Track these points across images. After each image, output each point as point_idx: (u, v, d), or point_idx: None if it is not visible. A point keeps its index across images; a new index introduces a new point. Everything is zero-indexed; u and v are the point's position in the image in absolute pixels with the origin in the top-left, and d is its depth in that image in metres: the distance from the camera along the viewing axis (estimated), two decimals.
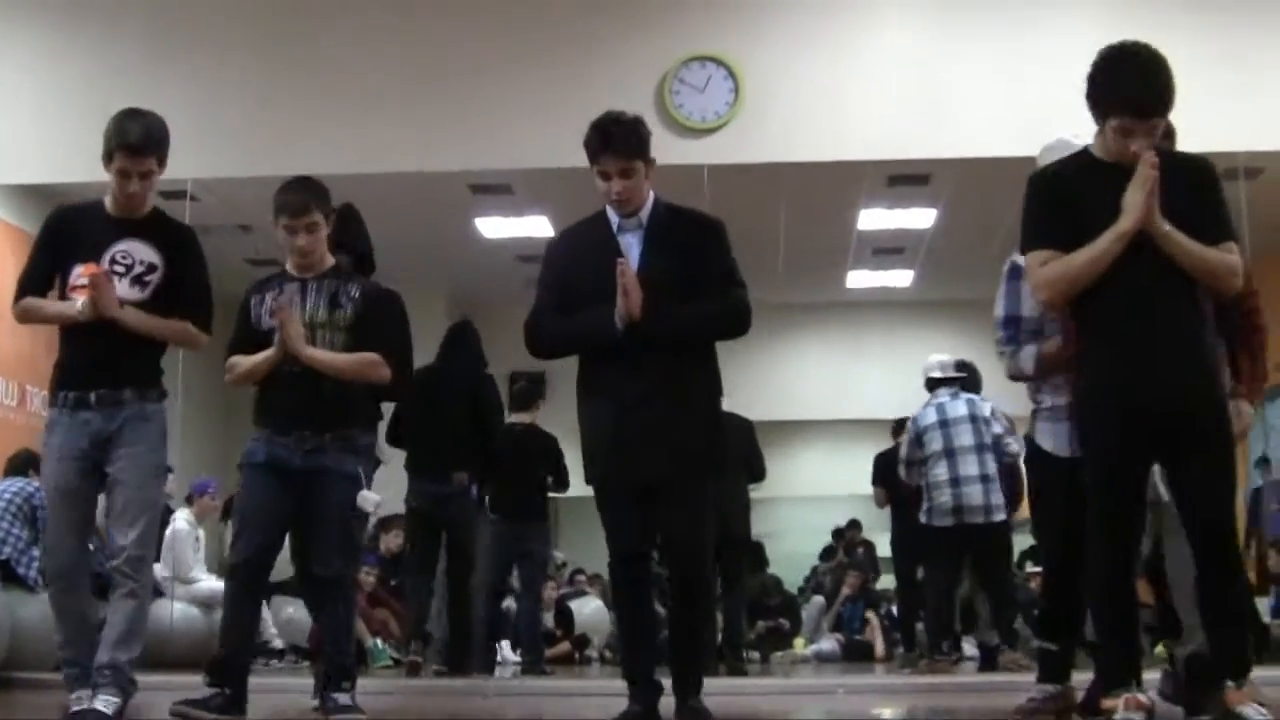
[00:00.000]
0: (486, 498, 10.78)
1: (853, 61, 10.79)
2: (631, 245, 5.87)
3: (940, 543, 10.86)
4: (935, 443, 10.79)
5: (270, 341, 6.36)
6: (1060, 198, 5.19)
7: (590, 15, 10.95)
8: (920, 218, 14.38)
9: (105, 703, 5.83)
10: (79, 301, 6.09)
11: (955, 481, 10.67)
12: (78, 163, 9.08)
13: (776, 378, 18.20)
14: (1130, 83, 5.05)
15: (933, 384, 11.24)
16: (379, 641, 13.35)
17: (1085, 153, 5.29)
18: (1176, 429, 5.07)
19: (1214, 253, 5.10)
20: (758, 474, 11.80)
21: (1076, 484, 5.51)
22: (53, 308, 6.23)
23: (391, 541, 14.49)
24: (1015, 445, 10.61)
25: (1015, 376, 6.35)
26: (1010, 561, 12.10)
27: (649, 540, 5.95)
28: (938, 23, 10.80)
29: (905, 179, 11.98)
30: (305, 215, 6.35)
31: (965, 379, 11.27)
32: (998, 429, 10.83)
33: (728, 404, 12.30)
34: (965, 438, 10.76)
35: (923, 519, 10.84)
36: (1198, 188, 5.19)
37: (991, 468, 10.69)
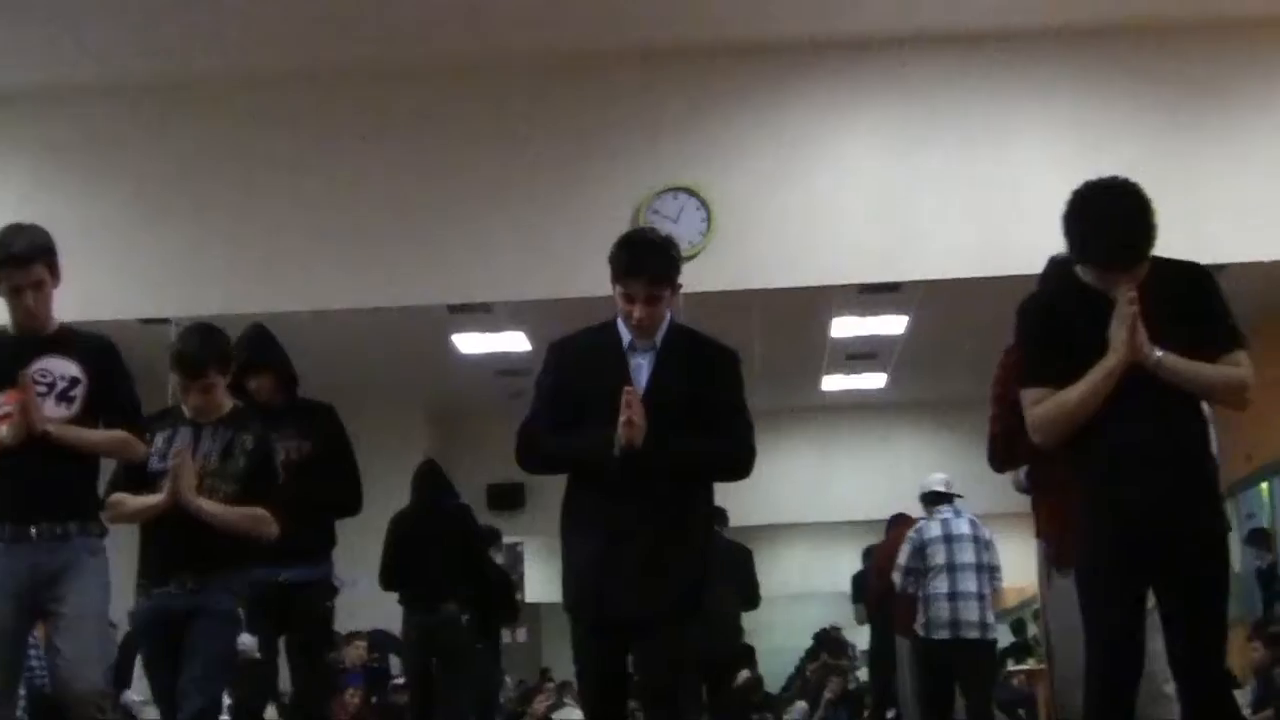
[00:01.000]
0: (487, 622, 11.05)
1: (820, 189, 10.99)
2: (641, 367, 5.54)
3: (932, 655, 11.01)
4: (938, 556, 10.89)
5: (157, 483, 6.06)
6: (1052, 330, 5.01)
7: (566, 147, 11.13)
8: (891, 324, 14.60)
9: None
10: (1, 429, 5.70)
11: (953, 596, 10.78)
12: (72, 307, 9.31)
13: (756, 482, 18.22)
14: (1102, 238, 4.89)
15: (933, 499, 11.39)
16: None
17: (1072, 276, 5.07)
18: (1175, 567, 4.83)
19: (1215, 371, 4.90)
20: (752, 602, 12.03)
21: None
22: None
23: (355, 654, 14.60)
24: (1001, 580, 11.07)
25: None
26: (994, 680, 12.33)
27: (622, 695, 5.61)
28: (902, 150, 11.03)
29: (876, 288, 12.14)
30: (201, 378, 6.12)
31: (961, 496, 11.44)
32: (997, 560, 11.06)
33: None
34: (967, 555, 10.90)
35: (919, 631, 10.97)
36: (1196, 297, 5.00)
37: (988, 588, 10.90)
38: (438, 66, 11.02)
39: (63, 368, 5.85)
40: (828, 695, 15.83)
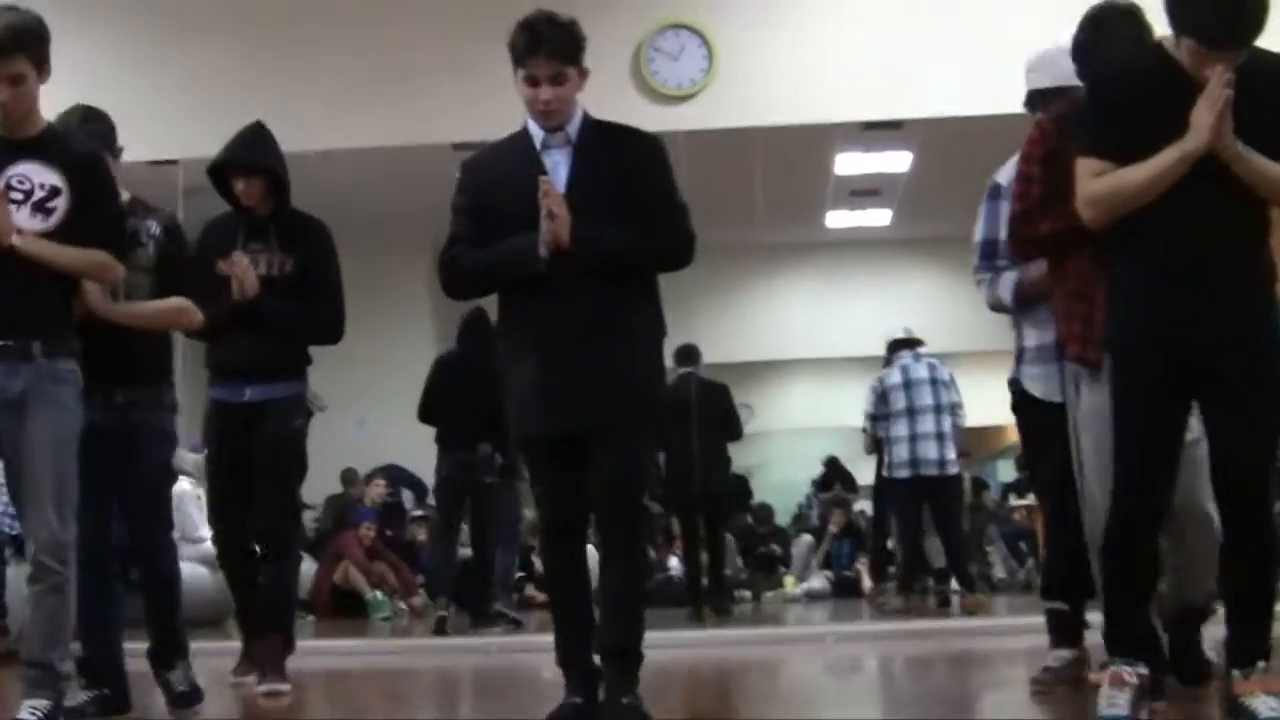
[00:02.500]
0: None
1: (823, 23, 10.95)
2: (559, 164, 5.09)
3: (900, 493, 11.98)
4: (899, 401, 11.72)
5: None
6: (1125, 100, 4.52)
7: None
8: (896, 161, 14.61)
9: (33, 710, 4.96)
10: None
11: (913, 438, 11.59)
12: None
13: (760, 317, 18.48)
14: (1214, 11, 4.37)
15: (894, 346, 12.18)
16: (378, 594, 13.69)
17: (1160, 49, 4.58)
18: (1224, 371, 4.48)
19: None
20: (735, 434, 12.30)
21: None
22: None
23: (375, 492, 14.83)
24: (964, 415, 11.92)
25: (995, 307, 5.95)
26: (961, 509, 13.10)
27: (585, 508, 5.23)
28: None
29: (879, 125, 12.17)
30: (7, 64, 5.10)
31: (922, 341, 12.21)
32: (956, 396, 11.83)
33: (712, 354, 12.81)
34: (925, 398, 11.69)
35: (884, 472, 11.93)
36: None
37: (948, 426, 11.67)
38: None
39: (42, 175, 5.19)
40: (832, 528, 16.01)
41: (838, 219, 17.17)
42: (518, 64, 5.01)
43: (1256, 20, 4.37)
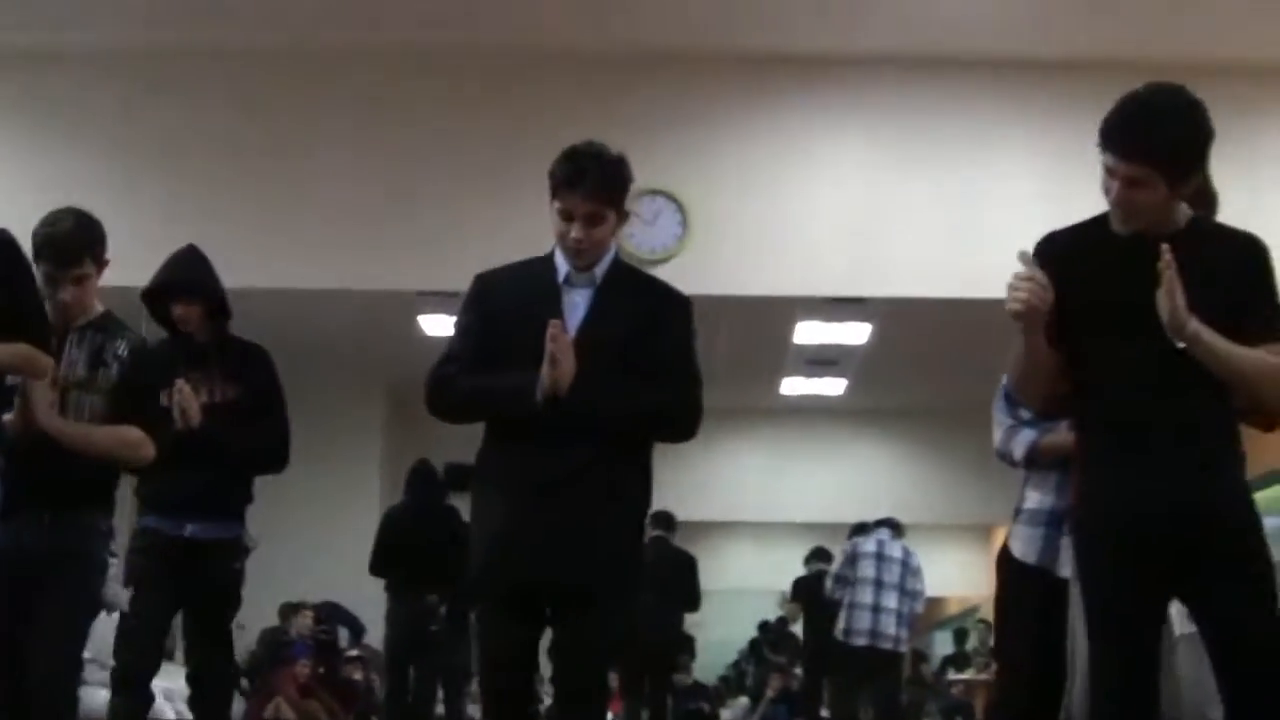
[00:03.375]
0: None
1: (794, 200, 11.11)
2: (577, 304, 4.79)
3: (849, 658, 12.11)
4: (868, 570, 11.91)
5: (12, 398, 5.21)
6: (1059, 276, 4.07)
7: (544, 141, 11.13)
8: (855, 333, 14.68)
9: None
10: None
11: (876, 609, 11.79)
12: None
13: (709, 478, 18.48)
14: (1119, 115, 4.02)
15: (877, 524, 12.53)
16: None
17: (1102, 223, 4.24)
18: (1196, 556, 4.01)
19: (1254, 357, 4.05)
20: (693, 607, 12.81)
21: (1050, 595, 5.11)
22: None
23: (302, 623, 14.69)
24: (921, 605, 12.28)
25: (1002, 456, 5.62)
26: (900, 687, 13.52)
27: (533, 678, 4.93)
28: (876, 166, 11.19)
29: (842, 298, 12.32)
30: (74, 267, 5.38)
31: (899, 526, 12.58)
32: (920, 586, 12.15)
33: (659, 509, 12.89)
34: (894, 575, 11.92)
35: (839, 636, 12.00)
36: (1242, 271, 4.15)
37: (907, 608, 11.93)
38: (421, 56, 11.09)
39: None
40: (769, 694, 15.97)
41: (793, 386, 17.25)
42: (554, 194, 4.76)
43: (1171, 140, 4.02)
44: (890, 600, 11.82)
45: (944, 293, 10.95)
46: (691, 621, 17.62)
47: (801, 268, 11.16)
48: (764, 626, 20.11)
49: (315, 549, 14.99)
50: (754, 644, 20.21)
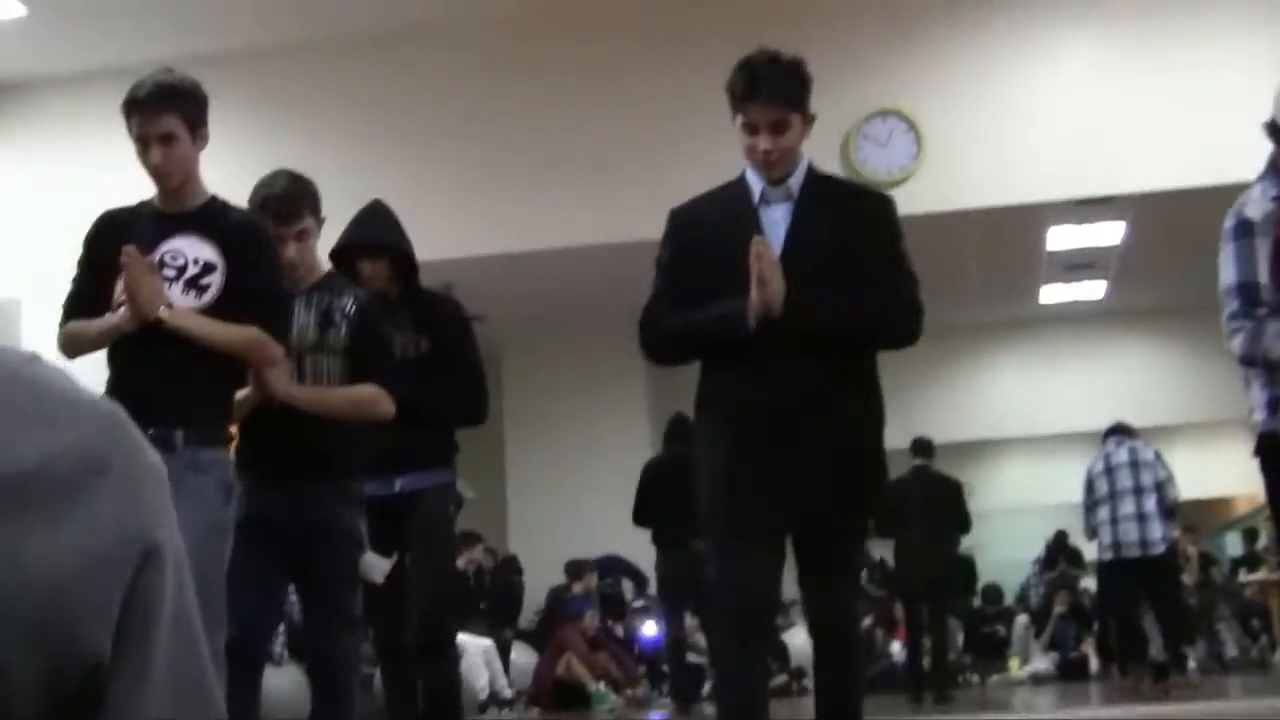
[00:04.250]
0: None
1: (1030, 102, 10.90)
2: (776, 221, 4.60)
3: (1108, 575, 12.32)
4: (1102, 488, 11.93)
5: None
6: None
7: None
8: (1109, 233, 14.42)
9: None
10: (119, 312, 4.73)
11: (1114, 521, 11.78)
12: None
13: (975, 396, 18.34)
14: None
15: (1106, 434, 12.43)
16: (601, 685, 13.74)
17: None
18: None
19: None
20: (965, 529, 12.68)
21: None
22: (95, 326, 4.81)
23: (590, 583, 14.90)
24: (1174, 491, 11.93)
25: (1249, 359, 4.90)
26: (1174, 588, 13.09)
27: (776, 603, 4.80)
28: (1113, 56, 10.89)
29: (1091, 200, 12.09)
30: (295, 222, 5.35)
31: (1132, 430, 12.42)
32: (1161, 474, 11.90)
33: (927, 433, 12.86)
34: (1125, 481, 11.84)
35: (1109, 552, 11.96)
36: None
37: (1150, 506, 11.75)
38: (639, 22, 11.14)
39: (197, 250, 4.83)
40: (1057, 609, 15.77)
41: (1051, 294, 17.00)
42: (735, 109, 4.59)
43: None
44: (1126, 507, 11.75)
45: (1193, 182, 10.67)
46: (973, 543, 17.54)
47: (1044, 172, 10.96)
48: (1057, 542, 19.88)
49: (592, 502, 15.19)
50: (1038, 561, 20.00)
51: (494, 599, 14.88)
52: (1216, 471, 21.25)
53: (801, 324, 4.41)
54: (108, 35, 11.11)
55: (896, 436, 13.98)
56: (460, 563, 14.46)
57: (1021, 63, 11.02)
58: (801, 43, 10.91)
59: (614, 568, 15.48)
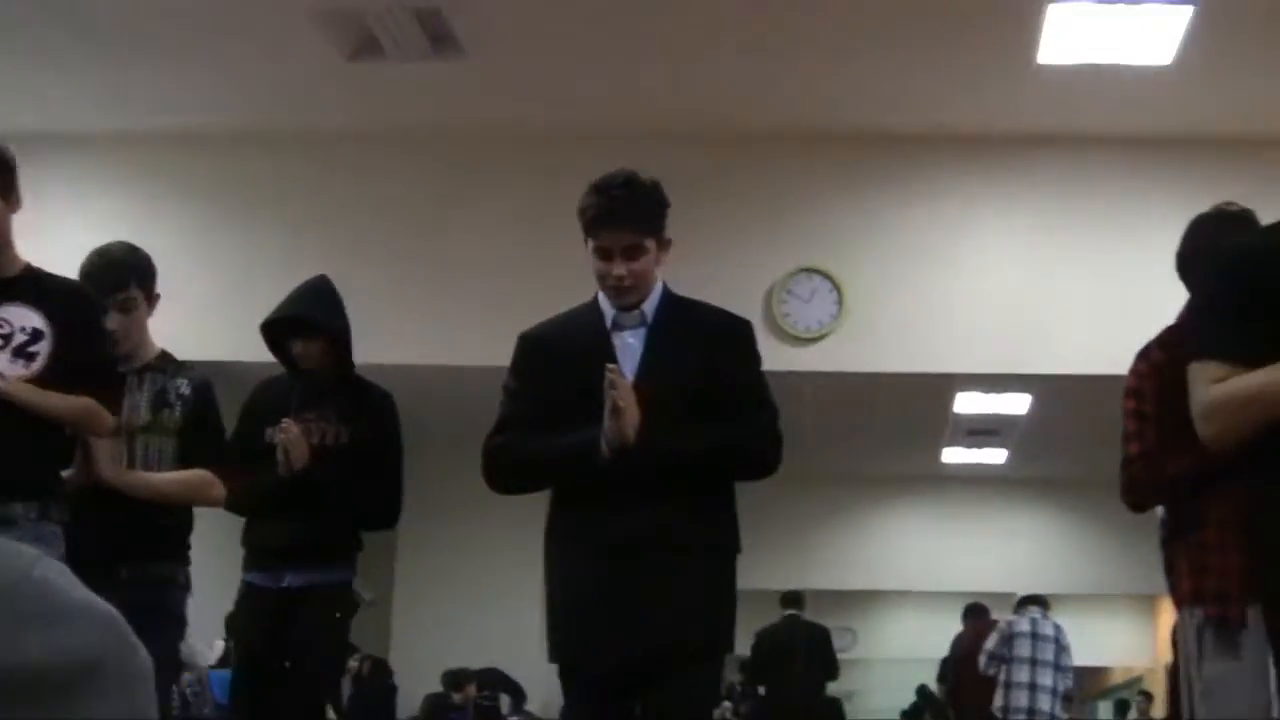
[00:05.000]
0: None
1: (952, 278, 11.19)
2: (631, 347, 4.45)
3: None
4: (1024, 649, 12.23)
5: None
6: (1263, 287, 3.28)
7: (700, 223, 11.30)
8: (1015, 403, 14.73)
9: None
10: None
11: (1033, 687, 12.08)
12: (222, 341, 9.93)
13: (872, 546, 18.60)
14: None
15: (1024, 601, 12.78)
16: None
17: None
18: None
19: None
20: (833, 676, 13.28)
21: None
22: None
23: (468, 693, 14.92)
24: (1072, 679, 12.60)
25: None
26: None
27: None
28: (1037, 248, 11.22)
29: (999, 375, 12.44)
30: (121, 291, 5.19)
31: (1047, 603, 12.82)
32: (1070, 661, 12.44)
33: (822, 580, 13.12)
34: (1048, 654, 12.22)
35: (997, 714, 12.28)
36: None
37: (1062, 685, 12.29)
38: (569, 135, 11.18)
39: (22, 317, 4.68)
40: None
41: (954, 455, 17.30)
42: (587, 233, 4.44)
43: None
44: (1045, 678, 12.11)
45: (1102, 369, 10.98)
46: (851, 689, 17.82)
47: (960, 344, 11.25)
48: (923, 692, 20.12)
49: (475, 614, 15.27)
50: (905, 712, 20.26)
51: (366, 707, 14.85)
52: (1096, 641, 21.62)
53: (657, 455, 4.25)
54: None
55: (792, 579, 14.34)
56: None
57: (950, 241, 11.32)
58: (734, 194, 11.33)
59: (493, 681, 15.52)
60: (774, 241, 11.21)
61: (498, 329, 11.30)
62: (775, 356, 9.96)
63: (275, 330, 6.06)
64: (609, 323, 4.50)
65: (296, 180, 11.66)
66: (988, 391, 14.23)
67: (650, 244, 4.45)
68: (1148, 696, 19.65)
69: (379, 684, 15.23)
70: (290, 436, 5.78)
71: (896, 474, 17.81)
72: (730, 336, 4.54)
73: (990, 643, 12.57)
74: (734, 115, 11.03)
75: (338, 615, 5.95)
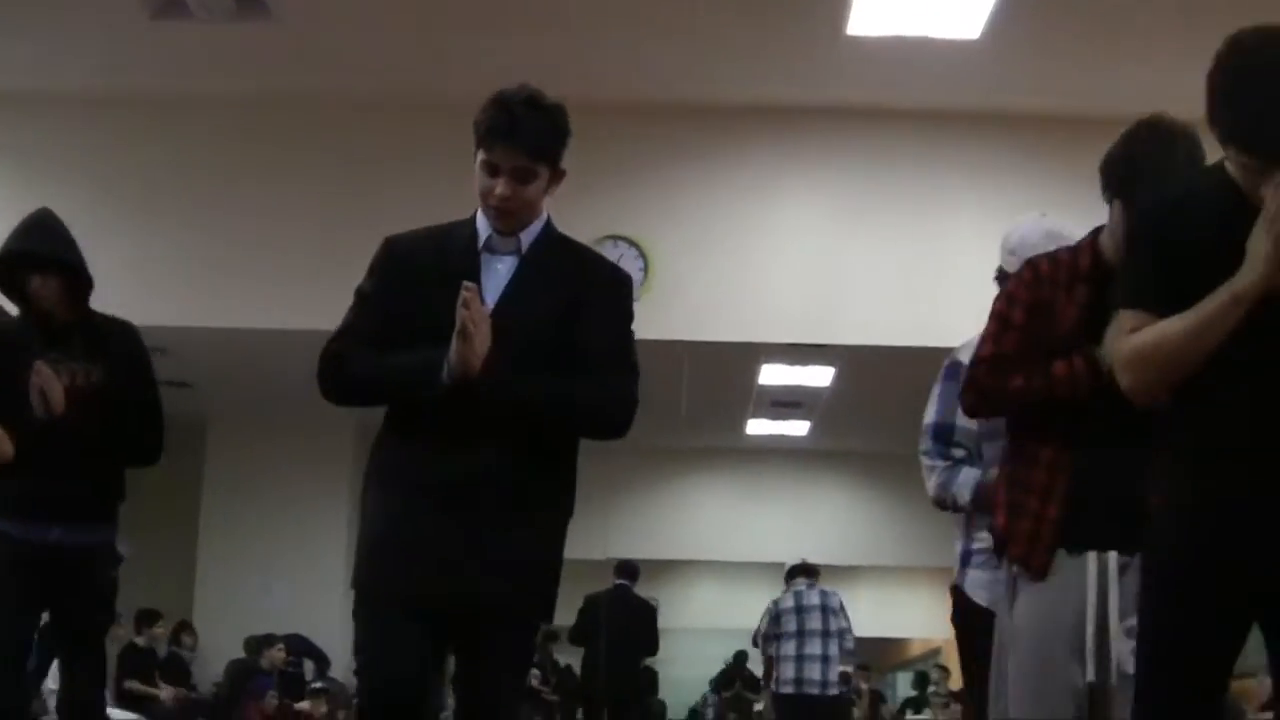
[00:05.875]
0: None
1: (755, 247, 11.27)
2: (498, 273, 4.10)
3: (783, 708, 12.46)
4: (790, 624, 12.29)
5: None
6: (1174, 238, 3.38)
7: None
8: (818, 375, 14.87)
9: None
10: None
11: (800, 659, 12.17)
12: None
13: (675, 517, 18.71)
14: (1259, 108, 3.33)
15: (792, 572, 12.79)
16: None
17: (1219, 171, 3.45)
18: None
19: None
20: (652, 652, 13.55)
21: None
22: None
23: (275, 657, 14.77)
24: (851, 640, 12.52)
25: (941, 502, 4.99)
26: None
27: (427, 685, 4.05)
28: (836, 215, 11.34)
29: (804, 345, 12.52)
30: None
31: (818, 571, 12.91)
32: (845, 623, 12.41)
33: (625, 549, 13.16)
34: (814, 623, 12.27)
35: (773, 687, 12.45)
36: None
37: (833, 650, 12.27)
38: (389, 101, 11.13)
39: None
40: None
41: (758, 426, 17.43)
42: (480, 145, 4.08)
43: None
44: (814, 647, 12.19)
45: (904, 341, 11.13)
46: (660, 657, 17.93)
47: (765, 314, 11.33)
48: (739, 659, 20.34)
49: (281, 579, 15.13)
50: (714, 681, 20.46)
51: (162, 669, 14.68)
52: (895, 614, 21.96)
53: (501, 392, 3.92)
54: None
55: (596, 549, 14.36)
56: (140, 640, 14.34)
57: (757, 212, 11.38)
58: None
59: (298, 647, 15.39)
60: (581, 209, 11.11)
61: (289, 298, 11.30)
62: None
63: (6, 268, 5.59)
64: (481, 243, 4.12)
65: (97, 144, 11.42)
66: (792, 364, 14.35)
67: (543, 171, 4.08)
68: (944, 670, 19.98)
69: (175, 647, 15.05)
70: (44, 378, 5.40)
71: (702, 445, 17.92)
72: (607, 285, 4.21)
73: (763, 624, 12.70)
74: (542, 85, 10.91)
75: (112, 575, 5.73)
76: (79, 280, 5.60)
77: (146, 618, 14.42)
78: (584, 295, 4.09)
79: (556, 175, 4.11)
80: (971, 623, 4.86)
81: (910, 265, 11.17)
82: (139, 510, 6.38)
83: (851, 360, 13.50)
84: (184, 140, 11.39)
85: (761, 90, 11.04)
